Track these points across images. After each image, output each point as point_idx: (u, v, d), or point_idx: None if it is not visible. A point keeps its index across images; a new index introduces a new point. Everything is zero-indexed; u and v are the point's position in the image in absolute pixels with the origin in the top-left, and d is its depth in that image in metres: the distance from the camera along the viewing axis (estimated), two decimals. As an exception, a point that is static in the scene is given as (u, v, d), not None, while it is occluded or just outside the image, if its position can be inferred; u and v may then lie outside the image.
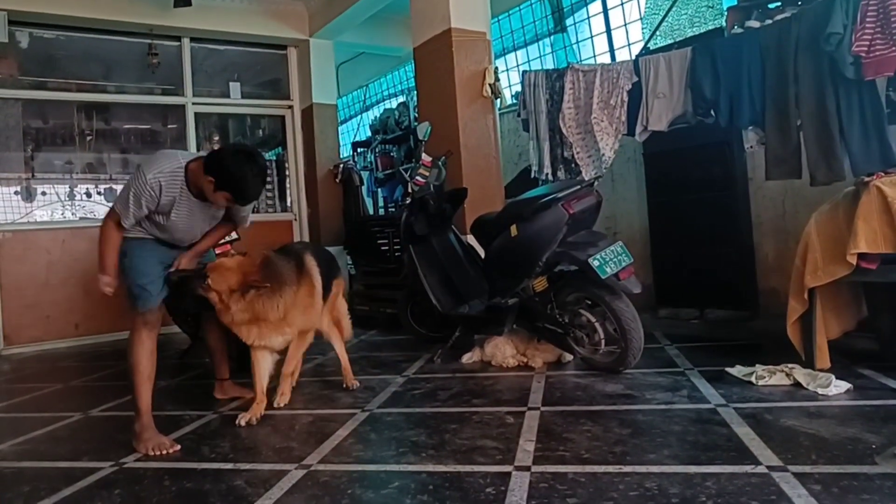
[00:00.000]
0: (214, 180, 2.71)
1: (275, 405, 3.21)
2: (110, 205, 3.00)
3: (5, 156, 6.54)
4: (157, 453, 2.64)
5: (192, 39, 7.10)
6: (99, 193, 7.53)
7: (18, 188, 6.87)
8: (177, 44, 7.05)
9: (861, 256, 2.85)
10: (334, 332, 3.63)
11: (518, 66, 7.63)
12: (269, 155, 8.25)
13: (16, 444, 2.93)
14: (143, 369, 2.83)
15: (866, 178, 2.96)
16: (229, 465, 2.43)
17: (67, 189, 7.33)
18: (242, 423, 2.95)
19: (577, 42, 7.02)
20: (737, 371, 3.16)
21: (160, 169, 2.76)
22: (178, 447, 2.69)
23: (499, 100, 5.27)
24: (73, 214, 7.17)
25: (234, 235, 4.30)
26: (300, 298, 3.08)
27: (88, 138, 7.21)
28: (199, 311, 3.37)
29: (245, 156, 2.75)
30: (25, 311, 6.13)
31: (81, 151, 7.25)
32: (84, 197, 7.45)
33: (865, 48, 3.29)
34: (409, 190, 4.59)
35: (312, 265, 3.22)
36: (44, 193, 7.18)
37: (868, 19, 3.29)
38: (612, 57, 6.37)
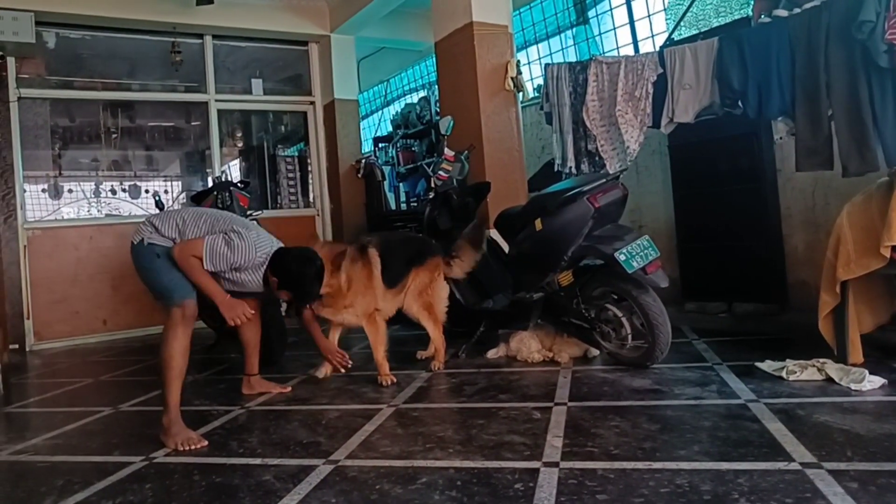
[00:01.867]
0: (278, 281, 2.99)
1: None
2: (138, 207, 3.13)
3: (34, 154, 6.65)
4: (185, 448, 2.66)
5: (215, 37, 7.16)
6: (124, 190, 7.64)
7: (46, 186, 6.99)
8: (199, 41, 7.11)
9: (895, 249, 2.79)
10: (423, 315, 3.85)
11: (540, 58, 7.57)
12: (291, 151, 8.30)
13: (49, 439, 2.98)
14: (176, 365, 2.84)
15: (901, 169, 2.90)
16: (258, 461, 2.45)
17: (93, 186, 7.45)
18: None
19: (600, 34, 6.94)
20: (766, 366, 3.11)
21: (264, 252, 2.97)
22: (206, 443, 2.71)
23: (521, 93, 5.23)
24: (99, 211, 7.28)
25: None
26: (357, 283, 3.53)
27: (114, 136, 7.31)
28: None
29: (305, 259, 3.07)
30: (54, 307, 6.23)
31: (107, 149, 7.36)
32: (109, 194, 7.57)
33: (899, 36, 3.20)
34: (432, 185, 4.58)
35: (374, 255, 3.63)
36: (70, 191, 7.31)
37: (902, 6, 3.21)
38: (636, 48, 6.29)
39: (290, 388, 3.55)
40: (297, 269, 3.03)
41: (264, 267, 2.99)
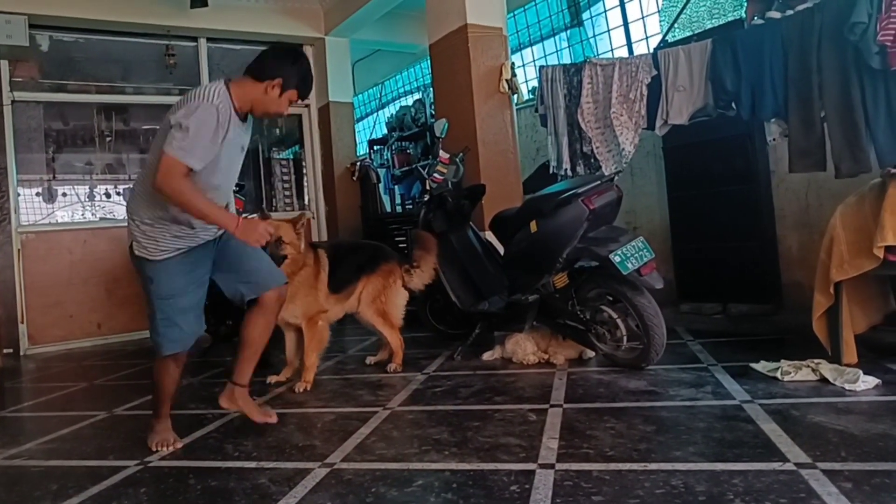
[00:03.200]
0: (282, 81, 2.55)
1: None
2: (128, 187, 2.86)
3: (28, 157, 6.63)
4: (161, 448, 2.67)
5: (209, 40, 7.14)
6: (118, 194, 7.61)
7: (40, 189, 6.96)
8: (194, 44, 7.10)
9: (888, 249, 2.80)
10: (377, 321, 3.88)
11: (534, 61, 7.59)
12: (286, 154, 8.29)
13: (43, 443, 2.97)
14: (168, 389, 2.75)
15: (893, 170, 2.92)
16: (253, 464, 2.44)
17: (87, 190, 7.42)
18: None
19: (595, 36, 6.97)
20: (761, 366, 3.11)
21: (211, 94, 2.42)
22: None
23: (516, 95, 5.24)
24: (93, 215, 7.25)
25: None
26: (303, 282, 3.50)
27: (108, 139, 7.28)
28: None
29: (292, 49, 2.76)
30: (49, 311, 6.20)
31: (101, 152, 7.33)
32: (104, 197, 7.53)
33: (891, 38, 3.22)
34: (427, 187, 4.58)
35: (323, 257, 3.66)
36: (64, 194, 7.27)
37: (894, 8, 3.22)
38: (630, 50, 6.31)
39: (276, 418, 2.92)
40: (293, 56, 2.62)
41: (231, 111, 2.47)
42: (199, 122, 2.36)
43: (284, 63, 2.58)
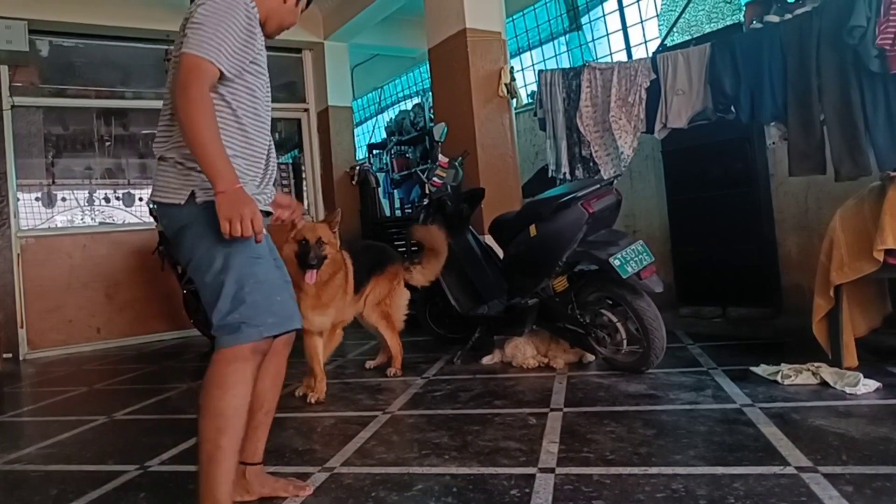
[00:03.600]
0: None
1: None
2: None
3: (27, 162, 6.64)
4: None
5: (209, 44, 7.14)
6: (118, 198, 7.63)
7: (40, 194, 6.98)
8: (193, 49, 7.09)
9: (888, 252, 2.80)
10: (381, 324, 3.84)
11: (533, 65, 7.60)
12: (285, 158, 8.30)
13: (42, 448, 2.96)
14: (237, 425, 1.84)
15: (892, 173, 2.92)
16: (253, 468, 2.43)
17: (87, 194, 7.44)
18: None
19: (593, 40, 6.98)
20: (761, 370, 3.11)
21: None
22: None
23: (515, 99, 5.25)
24: (92, 219, 7.27)
25: None
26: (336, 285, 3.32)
27: (107, 144, 7.30)
28: None
29: None
30: (48, 316, 6.20)
31: (100, 157, 7.35)
32: (103, 202, 7.55)
33: (890, 41, 3.23)
34: (427, 191, 4.58)
35: (348, 259, 3.48)
36: (64, 199, 7.29)
37: (892, 11, 3.23)
38: (629, 54, 6.32)
39: (310, 489, 2.17)
40: None
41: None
42: (219, 10, 1.80)
43: None
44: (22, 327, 6.05)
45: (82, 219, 7.26)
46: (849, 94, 3.51)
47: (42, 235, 6.40)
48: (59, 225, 6.97)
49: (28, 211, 6.71)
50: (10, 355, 5.80)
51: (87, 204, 7.39)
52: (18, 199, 6.27)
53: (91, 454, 2.82)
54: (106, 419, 3.41)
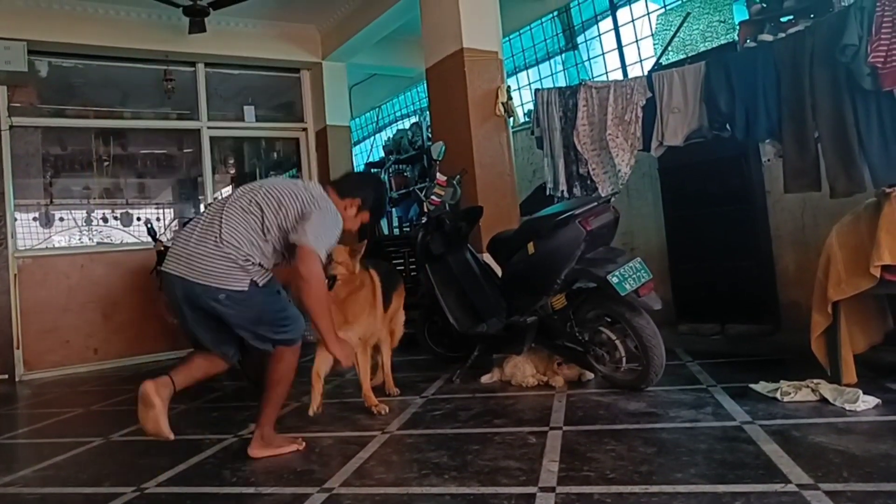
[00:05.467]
0: (361, 202, 2.92)
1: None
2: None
3: (25, 182, 6.65)
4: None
5: (207, 64, 7.19)
6: (116, 218, 7.62)
7: (37, 214, 6.97)
8: (192, 69, 7.15)
9: (885, 268, 2.81)
10: (387, 342, 3.85)
11: (530, 84, 7.65)
12: (283, 177, 8.32)
13: (39, 470, 2.94)
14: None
15: (888, 189, 2.93)
16: (251, 489, 2.42)
17: (85, 214, 7.43)
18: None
19: (589, 59, 7.03)
20: (761, 387, 3.10)
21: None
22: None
23: (512, 118, 5.28)
24: (90, 239, 7.25)
25: None
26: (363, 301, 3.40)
27: (105, 164, 7.31)
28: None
29: (375, 176, 3.08)
30: (45, 336, 6.17)
31: (99, 177, 7.36)
32: (101, 222, 7.54)
33: (882, 58, 3.27)
34: (425, 209, 4.59)
35: (375, 276, 3.54)
36: (62, 219, 7.28)
37: (884, 30, 3.28)
38: (625, 73, 6.37)
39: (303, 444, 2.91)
40: (376, 182, 3.04)
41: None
42: (331, 225, 2.75)
43: (366, 186, 2.98)
44: (18, 348, 6.02)
45: (80, 239, 7.25)
46: (842, 111, 3.54)
47: (39, 255, 6.40)
48: (57, 245, 6.96)
49: (25, 231, 6.70)
50: (6, 376, 5.77)
51: (84, 224, 7.39)
52: (16, 220, 6.27)
53: (87, 476, 2.80)
54: (102, 441, 3.39)
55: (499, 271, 4.26)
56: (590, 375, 3.70)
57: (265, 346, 2.73)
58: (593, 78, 6.75)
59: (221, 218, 2.66)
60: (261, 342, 2.72)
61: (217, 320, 2.69)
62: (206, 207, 3.00)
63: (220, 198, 3.00)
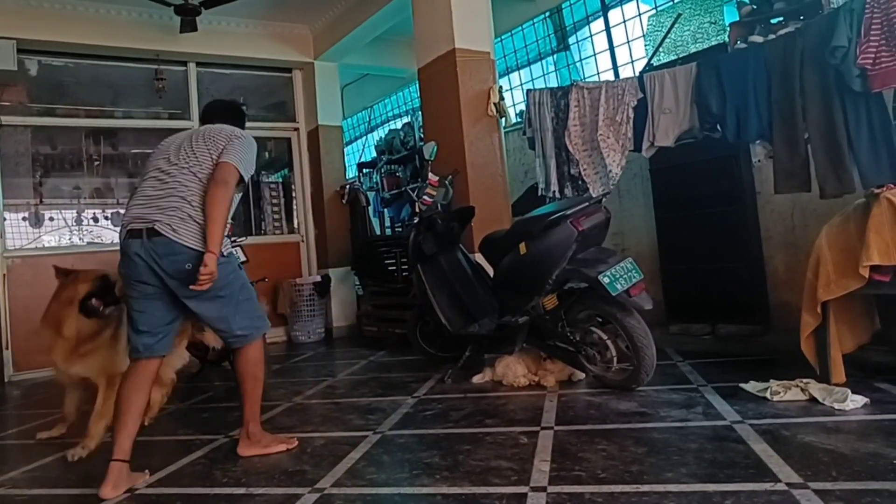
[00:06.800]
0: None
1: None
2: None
3: (15, 182, 6.60)
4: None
5: (198, 64, 7.16)
6: (106, 218, 7.58)
7: (27, 214, 6.93)
8: (183, 69, 7.12)
9: (874, 269, 2.83)
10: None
11: (522, 84, 7.67)
12: (275, 177, 8.30)
13: (27, 471, 2.92)
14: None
15: (877, 190, 2.95)
16: (242, 490, 2.41)
17: (75, 214, 7.39)
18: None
19: (581, 60, 7.05)
20: (751, 387, 3.12)
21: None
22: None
23: (504, 118, 5.29)
24: (80, 239, 7.21)
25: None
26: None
27: (96, 163, 7.27)
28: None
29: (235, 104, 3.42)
30: (34, 337, 6.09)
31: (89, 176, 7.32)
32: (91, 222, 7.50)
33: (871, 60, 3.29)
34: (417, 209, 4.59)
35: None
36: (52, 219, 7.24)
37: (873, 32, 3.30)
38: (616, 74, 6.39)
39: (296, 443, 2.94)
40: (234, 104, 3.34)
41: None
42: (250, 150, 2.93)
43: (236, 116, 3.22)
44: (7, 349, 5.97)
45: (70, 239, 7.21)
46: (832, 112, 3.56)
47: (29, 255, 6.35)
48: (47, 245, 6.92)
49: (15, 231, 6.66)
50: (-6, 377, 5.72)
51: (75, 224, 7.35)
52: (5, 219, 6.23)
53: (76, 477, 2.79)
54: (92, 441, 3.36)
55: (491, 271, 4.26)
56: (581, 375, 3.70)
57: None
58: (585, 79, 6.77)
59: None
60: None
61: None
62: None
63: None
